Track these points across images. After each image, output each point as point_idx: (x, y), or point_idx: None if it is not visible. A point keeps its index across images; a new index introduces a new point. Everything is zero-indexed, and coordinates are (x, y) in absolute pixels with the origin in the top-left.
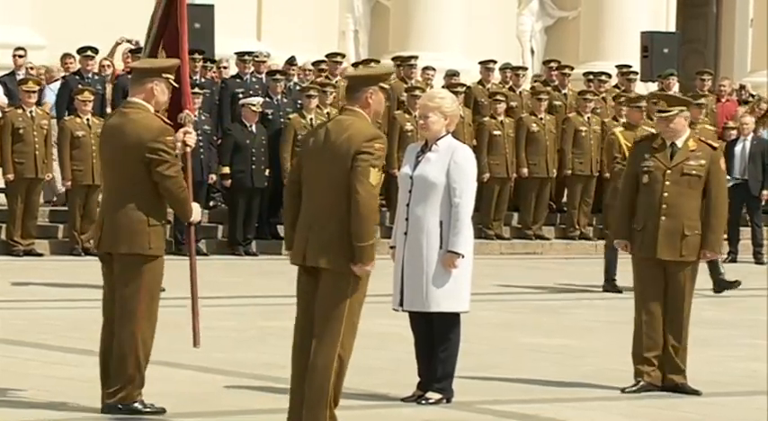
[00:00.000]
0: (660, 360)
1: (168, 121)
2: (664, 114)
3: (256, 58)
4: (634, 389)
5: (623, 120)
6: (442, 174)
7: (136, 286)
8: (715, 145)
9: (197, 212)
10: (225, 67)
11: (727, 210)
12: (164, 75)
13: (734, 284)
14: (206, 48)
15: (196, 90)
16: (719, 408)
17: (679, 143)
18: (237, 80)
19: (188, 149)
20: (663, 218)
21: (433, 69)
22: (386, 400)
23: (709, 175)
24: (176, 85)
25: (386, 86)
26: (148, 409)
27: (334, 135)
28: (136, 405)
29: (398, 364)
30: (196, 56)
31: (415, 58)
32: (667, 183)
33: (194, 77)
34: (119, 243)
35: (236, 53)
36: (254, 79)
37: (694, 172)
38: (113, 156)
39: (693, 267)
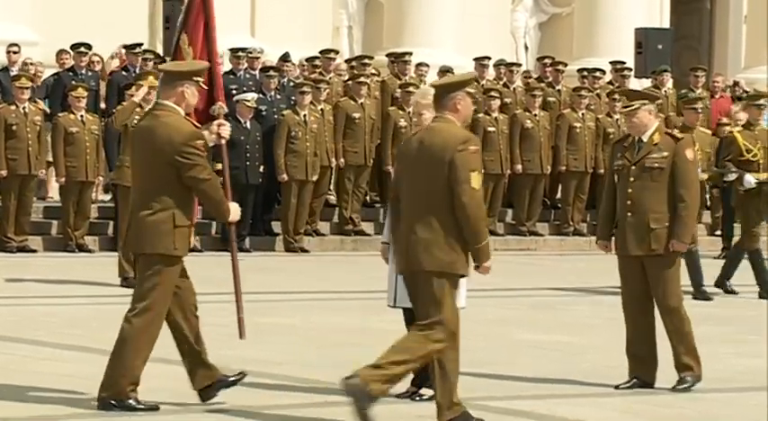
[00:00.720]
0: (652, 357)
1: (198, 125)
2: (626, 109)
3: (250, 55)
4: (627, 385)
5: (617, 116)
6: None
7: (153, 284)
8: (679, 136)
9: (235, 211)
10: (218, 64)
11: (697, 201)
12: (194, 78)
13: (730, 293)
14: None
15: None
16: (713, 404)
17: (645, 138)
18: (231, 76)
19: (223, 141)
20: (628, 213)
21: (427, 65)
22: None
23: (673, 167)
24: (206, 88)
25: (472, 91)
26: (142, 406)
27: (427, 141)
28: (130, 402)
29: None
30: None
31: (409, 54)
32: (631, 178)
33: None
34: (144, 243)
35: (229, 49)
36: (247, 75)
37: (656, 164)
38: (143, 158)
39: (670, 260)
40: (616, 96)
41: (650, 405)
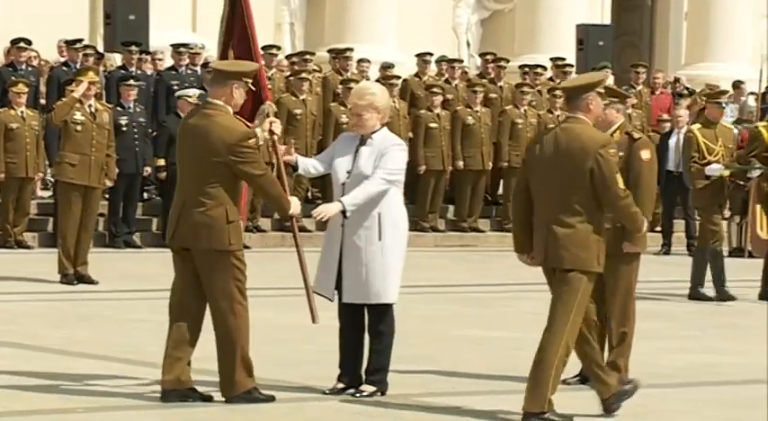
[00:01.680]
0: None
1: (249, 124)
2: None
3: (191, 50)
4: (574, 380)
5: (558, 112)
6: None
7: (226, 282)
8: (636, 136)
9: (296, 205)
10: (160, 59)
11: (651, 202)
12: (244, 78)
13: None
14: (141, 39)
15: (131, 82)
16: (651, 400)
17: None
18: (173, 72)
19: (275, 137)
20: None
21: (369, 61)
22: (315, 393)
23: (627, 167)
24: (254, 89)
25: (602, 91)
26: (262, 397)
27: (564, 142)
28: (253, 394)
29: (328, 356)
30: (133, 48)
31: (351, 50)
32: None
33: (130, 69)
34: (199, 239)
35: (171, 45)
36: (189, 71)
37: None
38: (194, 155)
39: (619, 260)
40: (557, 92)
41: (590, 400)
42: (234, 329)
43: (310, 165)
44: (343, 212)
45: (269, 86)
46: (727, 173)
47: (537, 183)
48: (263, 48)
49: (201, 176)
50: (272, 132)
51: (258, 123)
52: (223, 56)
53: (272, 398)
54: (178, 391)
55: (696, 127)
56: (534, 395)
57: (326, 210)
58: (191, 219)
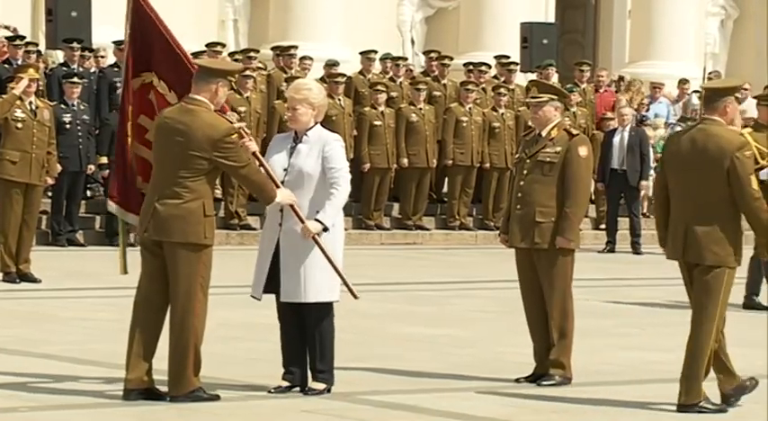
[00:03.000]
0: (539, 351)
1: (231, 119)
2: (533, 101)
3: None
4: (525, 379)
5: (502, 110)
6: (318, 165)
7: (193, 277)
8: (575, 132)
9: (287, 194)
10: (102, 56)
11: (586, 199)
12: (228, 77)
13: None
14: (83, 36)
15: (75, 80)
16: (599, 396)
17: (543, 133)
18: (116, 69)
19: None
20: (517, 206)
21: (311, 59)
22: (263, 391)
23: (565, 162)
24: (235, 88)
25: (740, 96)
26: (207, 396)
27: (701, 143)
28: (198, 393)
29: (275, 355)
30: (75, 45)
31: (295, 47)
32: (525, 172)
33: (72, 66)
34: (174, 231)
35: (113, 42)
36: None
37: (548, 159)
38: (174, 148)
39: (556, 255)
40: (501, 90)
41: (533, 398)
42: (191, 327)
43: (272, 223)
44: (326, 229)
45: None
46: None
47: (674, 182)
48: (207, 45)
49: (180, 169)
50: (246, 133)
51: None
52: (131, 75)
53: (216, 397)
54: (140, 391)
55: (747, 131)
56: (691, 388)
57: (310, 230)
58: (165, 212)
